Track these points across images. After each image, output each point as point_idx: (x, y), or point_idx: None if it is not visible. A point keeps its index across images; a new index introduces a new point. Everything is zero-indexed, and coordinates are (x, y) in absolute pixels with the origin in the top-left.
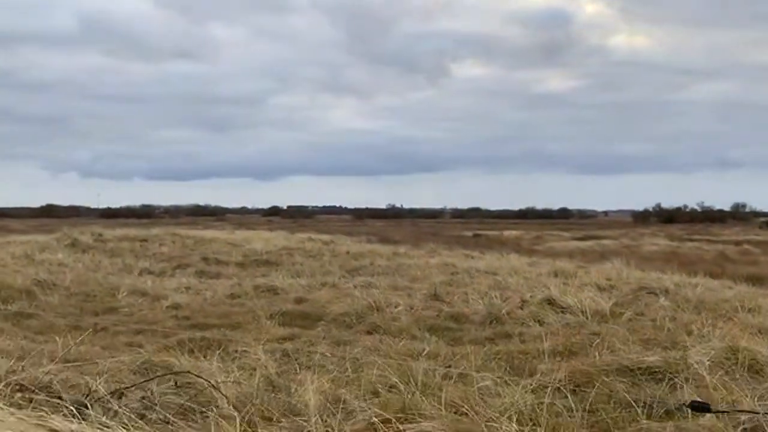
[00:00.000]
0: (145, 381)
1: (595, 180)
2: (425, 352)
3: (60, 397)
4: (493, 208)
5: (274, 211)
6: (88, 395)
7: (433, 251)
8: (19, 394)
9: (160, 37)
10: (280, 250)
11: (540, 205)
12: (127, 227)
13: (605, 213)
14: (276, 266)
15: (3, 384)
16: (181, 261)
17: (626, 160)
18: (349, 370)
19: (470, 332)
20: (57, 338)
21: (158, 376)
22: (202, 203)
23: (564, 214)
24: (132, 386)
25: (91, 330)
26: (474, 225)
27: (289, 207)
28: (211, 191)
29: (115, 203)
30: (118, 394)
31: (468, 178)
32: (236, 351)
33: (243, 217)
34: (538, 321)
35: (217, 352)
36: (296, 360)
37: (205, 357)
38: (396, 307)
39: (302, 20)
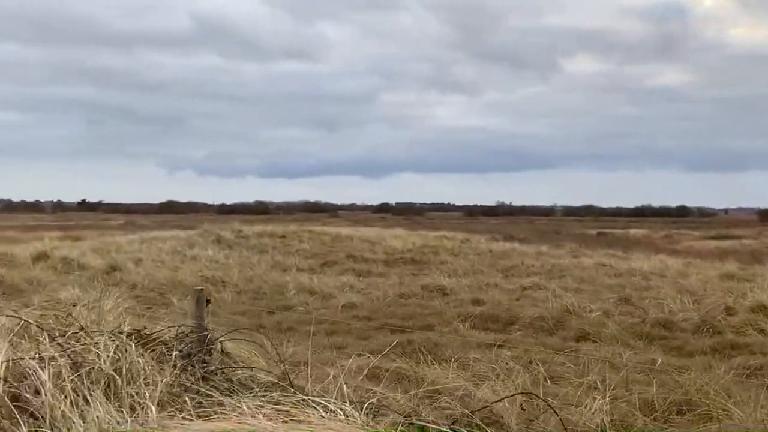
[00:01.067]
0: (496, 401)
1: (711, 177)
2: (659, 363)
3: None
4: (605, 205)
5: (383, 208)
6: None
7: (576, 251)
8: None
9: (271, 37)
10: (420, 248)
11: (654, 203)
12: (263, 224)
13: (725, 211)
14: (424, 265)
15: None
16: (326, 258)
17: (743, 156)
18: (623, 385)
19: (688, 341)
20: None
21: (507, 397)
22: (311, 200)
23: (682, 212)
24: (483, 408)
25: (271, 329)
26: (591, 223)
27: (397, 204)
28: (320, 188)
29: (229, 200)
30: (483, 415)
31: (579, 175)
32: (455, 358)
33: (354, 214)
34: (760, 330)
35: (451, 359)
36: (545, 371)
37: (438, 364)
38: (590, 312)
39: (410, 17)
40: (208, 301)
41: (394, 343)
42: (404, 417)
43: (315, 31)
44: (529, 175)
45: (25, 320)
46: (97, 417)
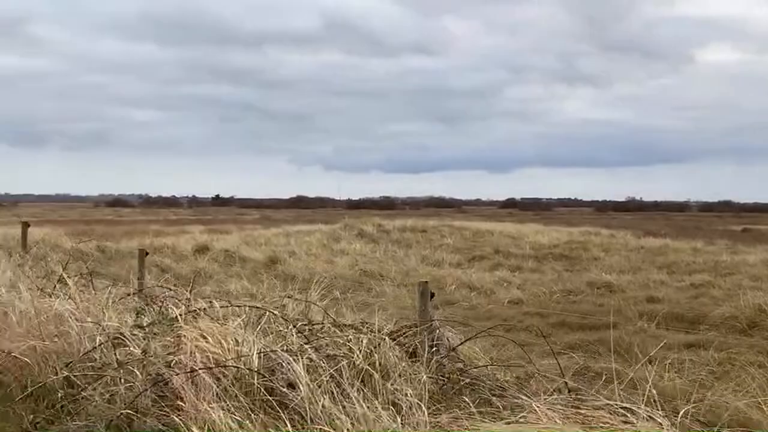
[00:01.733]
0: None
1: None
2: None
3: None
4: (742, 200)
5: (509, 204)
6: None
7: (732, 247)
8: None
9: (395, 32)
10: (567, 244)
11: None
12: (401, 218)
13: None
14: (575, 261)
15: None
16: (472, 253)
17: None
18: None
19: None
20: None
21: None
22: (435, 195)
23: None
24: None
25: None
26: (731, 219)
27: (522, 199)
28: (444, 183)
29: (354, 195)
30: None
31: (713, 170)
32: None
33: (480, 209)
34: None
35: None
36: None
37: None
38: None
39: (535, 9)
40: (432, 295)
41: (582, 342)
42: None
43: (439, 26)
44: (660, 169)
45: (270, 311)
46: (363, 414)
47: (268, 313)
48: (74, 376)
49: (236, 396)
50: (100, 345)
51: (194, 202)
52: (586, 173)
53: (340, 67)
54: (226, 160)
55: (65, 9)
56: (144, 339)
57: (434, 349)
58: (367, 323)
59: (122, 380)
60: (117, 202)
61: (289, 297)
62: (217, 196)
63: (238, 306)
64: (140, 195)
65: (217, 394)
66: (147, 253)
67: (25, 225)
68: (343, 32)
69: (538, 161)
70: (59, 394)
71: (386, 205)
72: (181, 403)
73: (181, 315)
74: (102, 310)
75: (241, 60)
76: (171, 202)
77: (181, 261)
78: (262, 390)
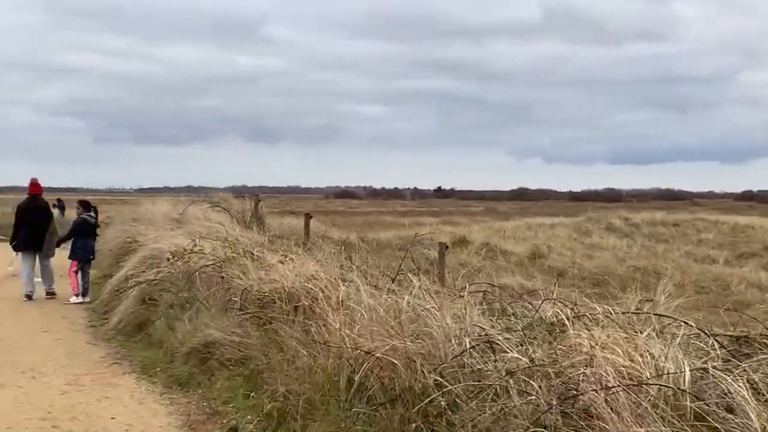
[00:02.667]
0: None
1: None
2: None
3: None
4: None
5: (746, 196)
6: None
7: None
8: None
9: (620, 19)
10: None
11: None
12: (646, 212)
13: None
14: None
15: None
16: (738, 249)
17: None
18: None
19: None
20: None
21: None
22: (662, 187)
23: None
24: None
25: None
26: None
27: (759, 192)
28: (672, 175)
29: (576, 187)
30: None
31: None
32: None
33: (714, 202)
34: None
35: None
36: None
37: None
38: None
39: None
40: None
41: None
42: None
43: (667, 11)
44: None
45: (683, 321)
46: None
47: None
48: (446, 381)
49: (663, 419)
50: (470, 348)
51: (417, 193)
52: None
53: (561, 56)
54: (446, 152)
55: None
56: (520, 345)
57: None
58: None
59: (514, 392)
60: (345, 194)
61: (648, 301)
62: (439, 188)
63: (636, 313)
64: (365, 187)
65: (638, 415)
66: (447, 247)
67: (308, 216)
68: (564, 21)
69: None
70: (434, 401)
71: (611, 197)
72: (602, 424)
73: (568, 319)
74: (463, 308)
75: (462, 53)
76: (395, 194)
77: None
78: (692, 414)
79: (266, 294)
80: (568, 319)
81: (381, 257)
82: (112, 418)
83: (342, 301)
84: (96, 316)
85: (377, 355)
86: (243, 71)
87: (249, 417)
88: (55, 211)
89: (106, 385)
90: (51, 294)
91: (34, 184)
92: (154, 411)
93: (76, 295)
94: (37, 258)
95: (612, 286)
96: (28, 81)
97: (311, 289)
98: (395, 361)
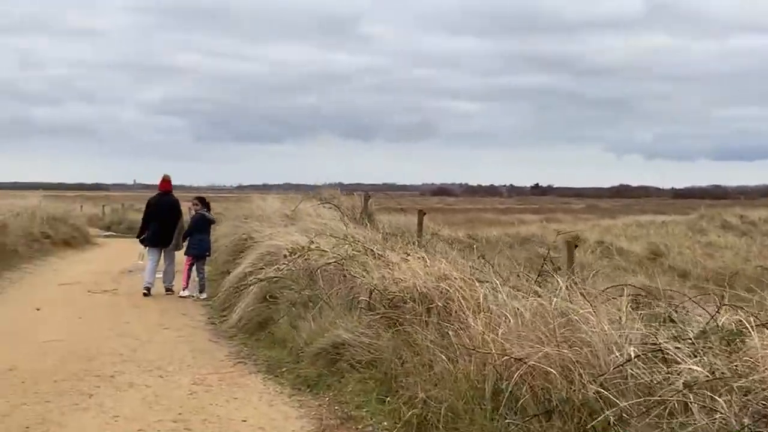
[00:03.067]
0: None
1: None
2: None
3: None
4: None
5: None
6: None
7: None
8: None
9: (725, 11)
10: None
11: None
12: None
13: None
14: None
15: None
16: None
17: None
18: None
19: None
20: None
21: None
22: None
23: None
24: None
25: None
26: None
27: None
28: None
29: (678, 184)
30: None
31: None
32: None
33: None
34: None
35: None
36: None
37: None
38: None
39: None
40: None
41: None
42: None
43: None
44: None
45: None
46: None
47: None
48: (609, 393)
49: None
50: (634, 357)
51: (513, 191)
52: None
53: (663, 50)
54: (543, 148)
55: (393, 7)
56: (692, 355)
57: None
58: None
59: (695, 408)
60: (440, 191)
61: None
62: (537, 184)
63: None
64: (461, 184)
65: None
66: (576, 246)
67: (421, 213)
68: (666, 14)
69: None
70: (597, 415)
71: (717, 194)
72: None
73: (752, 328)
74: (620, 312)
75: (560, 48)
76: (491, 191)
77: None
78: None
79: (396, 294)
80: (751, 327)
81: (499, 255)
82: (244, 421)
83: (481, 302)
84: (215, 313)
85: (529, 362)
86: (339, 69)
87: (385, 423)
88: None
89: (233, 386)
90: (169, 291)
91: (166, 180)
92: (285, 414)
93: (184, 289)
94: (162, 254)
95: (741, 288)
96: (134, 81)
97: (445, 289)
98: (550, 370)
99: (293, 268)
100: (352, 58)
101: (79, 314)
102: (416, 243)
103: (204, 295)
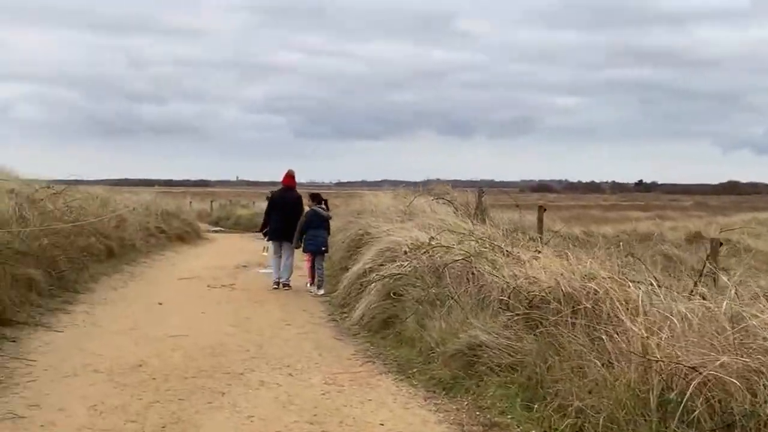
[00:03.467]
0: None
1: None
2: None
3: None
4: None
5: None
6: None
7: None
8: None
9: None
10: None
11: None
12: None
13: None
14: None
15: None
16: None
17: None
18: None
19: None
20: None
21: None
22: None
23: None
24: None
25: None
26: None
27: None
28: None
29: None
30: None
31: None
32: None
33: None
34: None
35: None
36: None
37: None
38: None
39: None
40: None
41: None
42: None
43: None
44: None
45: None
46: None
47: None
48: None
49: None
50: None
51: (616, 187)
52: None
53: None
54: (646, 144)
55: (489, 2)
56: None
57: None
58: None
59: None
60: (541, 188)
61: None
62: (640, 181)
63: None
64: (560, 180)
65: None
66: (721, 244)
67: (541, 209)
68: None
69: None
70: None
71: None
72: None
73: None
74: None
75: (663, 40)
76: (592, 188)
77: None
78: None
79: (536, 293)
80: None
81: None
82: (381, 425)
83: (638, 305)
84: (335, 309)
85: (704, 372)
86: (436, 65)
87: None
88: None
89: (364, 386)
90: (287, 286)
91: (290, 175)
92: (423, 418)
93: (310, 284)
94: (282, 248)
95: None
96: (235, 80)
97: (594, 289)
98: (730, 380)
99: (416, 265)
100: (450, 54)
101: (200, 309)
102: (538, 240)
103: (321, 291)
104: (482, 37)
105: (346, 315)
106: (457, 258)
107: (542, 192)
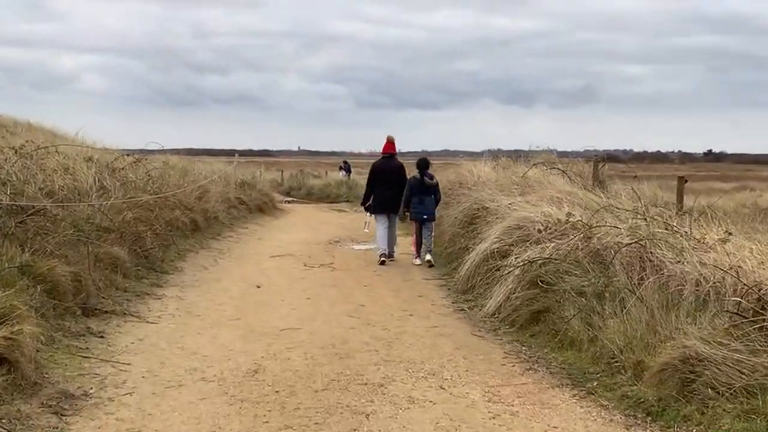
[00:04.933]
0: None
1: None
2: None
3: None
4: None
5: None
6: None
7: None
8: None
9: None
10: None
11: None
12: None
13: None
14: None
15: None
16: None
17: None
18: None
19: None
20: None
21: None
22: None
23: None
24: None
25: None
26: None
27: None
28: None
29: None
30: None
31: None
32: None
33: None
34: None
35: None
36: None
37: None
38: None
39: None
40: None
41: None
42: None
43: None
44: None
45: None
46: None
47: None
48: None
49: None
50: None
51: (685, 157)
52: None
53: None
54: (713, 113)
55: None
56: None
57: None
58: None
59: None
60: (607, 158)
61: None
62: (710, 151)
63: None
64: (625, 150)
65: None
66: None
67: (682, 180)
68: None
69: None
70: None
71: None
72: None
73: None
74: None
75: (735, 7)
76: (659, 158)
77: None
78: None
79: (752, 290)
80: None
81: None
82: None
83: None
84: (458, 297)
85: None
86: (501, 34)
87: None
88: (341, 173)
89: (538, 405)
90: (391, 257)
91: (390, 142)
92: None
93: (416, 257)
94: (389, 219)
95: None
96: (296, 50)
97: None
98: None
99: (567, 248)
100: (514, 23)
101: (304, 293)
102: (678, 215)
103: (428, 257)
104: (548, 4)
105: (473, 304)
106: (626, 241)
107: (609, 162)
